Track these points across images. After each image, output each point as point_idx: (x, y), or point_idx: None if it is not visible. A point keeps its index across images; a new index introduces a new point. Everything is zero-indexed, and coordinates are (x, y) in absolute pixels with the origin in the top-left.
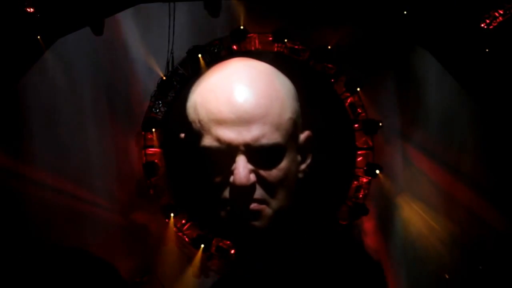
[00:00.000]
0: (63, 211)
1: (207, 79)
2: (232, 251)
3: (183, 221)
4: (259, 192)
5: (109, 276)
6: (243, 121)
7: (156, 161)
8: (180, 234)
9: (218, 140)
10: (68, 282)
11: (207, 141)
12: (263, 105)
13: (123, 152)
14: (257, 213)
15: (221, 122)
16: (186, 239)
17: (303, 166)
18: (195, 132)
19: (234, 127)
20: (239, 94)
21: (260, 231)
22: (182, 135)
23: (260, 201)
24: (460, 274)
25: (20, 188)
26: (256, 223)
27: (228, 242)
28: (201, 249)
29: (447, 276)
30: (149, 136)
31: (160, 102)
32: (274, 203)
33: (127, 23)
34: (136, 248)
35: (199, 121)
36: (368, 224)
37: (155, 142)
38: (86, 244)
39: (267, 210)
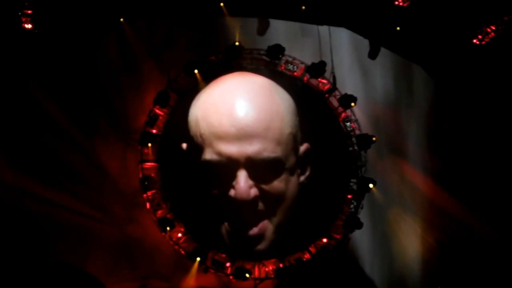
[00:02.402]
0: (60, 224)
1: (208, 93)
2: (228, 264)
3: (180, 235)
4: (260, 206)
5: None
6: (244, 135)
7: (152, 175)
8: (177, 247)
9: (219, 153)
10: None
11: (208, 155)
12: (264, 120)
13: (120, 167)
14: (259, 238)
15: (222, 136)
16: (183, 252)
17: (302, 178)
18: (196, 146)
19: (235, 141)
20: (240, 108)
21: (262, 253)
22: (184, 145)
23: (262, 215)
24: (452, 286)
25: (17, 202)
26: (259, 247)
27: (224, 256)
28: (197, 262)
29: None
30: (145, 151)
31: (156, 116)
32: (276, 217)
33: (124, 38)
34: (133, 261)
35: (201, 135)
36: (361, 237)
37: (152, 157)
38: (83, 257)
39: (269, 229)
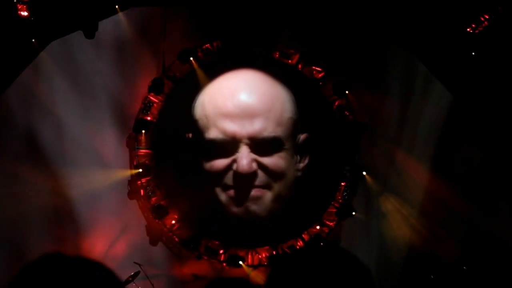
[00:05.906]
0: (55, 211)
1: (213, 83)
2: (221, 251)
3: (173, 222)
4: (260, 178)
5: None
6: (247, 115)
7: (147, 162)
8: (170, 234)
9: (224, 132)
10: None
11: (213, 134)
12: (265, 102)
13: (114, 153)
14: (257, 199)
15: (226, 115)
16: (176, 239)
17: (301, 165)
18: (201, 128)
19: (238, 120)
20: (243, 92)
21: (258, 217)
22: (190, 134)
23: (262, 186)
24: (445, 273)
25: (13, 187)
26: (255, 208)
27: (217, 243)
28: (191, 250)
29: (432, 276)
30: (140, 138)
31: (151, 104)
32: (275, 187)
33: (119, 26)
34: (127, 248)
35: (206, 116)
36: (354, 224)
37: (146, 144)
38: (77, 244)
39: (268, 195)
